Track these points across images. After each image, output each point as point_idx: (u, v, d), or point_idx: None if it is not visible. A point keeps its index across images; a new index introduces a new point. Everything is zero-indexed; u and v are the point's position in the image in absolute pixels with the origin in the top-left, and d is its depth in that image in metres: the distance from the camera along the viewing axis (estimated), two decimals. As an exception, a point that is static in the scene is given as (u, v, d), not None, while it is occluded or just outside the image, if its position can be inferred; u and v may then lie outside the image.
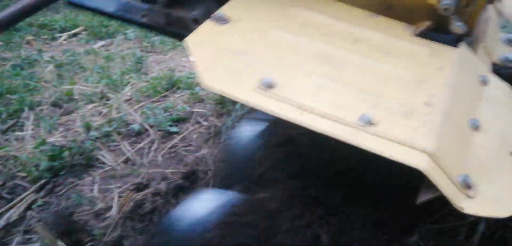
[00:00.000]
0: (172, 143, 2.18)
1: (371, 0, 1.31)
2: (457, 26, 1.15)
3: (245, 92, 0.90)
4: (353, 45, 1.13)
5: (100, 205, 1.80)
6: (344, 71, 1.04)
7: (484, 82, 1.15)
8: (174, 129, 2.28)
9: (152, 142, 2.19)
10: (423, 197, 0.91)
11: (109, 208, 1.78)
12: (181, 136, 2.23)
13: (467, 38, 1.33)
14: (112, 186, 1.89)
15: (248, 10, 1.20)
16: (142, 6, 1.42)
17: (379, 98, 0.99)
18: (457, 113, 1.03)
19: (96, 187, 1.89)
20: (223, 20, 1.10)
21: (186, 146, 2.16)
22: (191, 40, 0.99)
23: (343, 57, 1.08)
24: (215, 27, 1.07)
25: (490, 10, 1.53)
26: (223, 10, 1.13)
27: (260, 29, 1.13)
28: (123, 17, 1.42)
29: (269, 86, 0.92)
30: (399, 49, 1.15)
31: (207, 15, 1.14)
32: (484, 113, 1.08)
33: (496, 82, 1.18)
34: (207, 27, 1.06)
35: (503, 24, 1.67)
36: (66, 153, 2.03)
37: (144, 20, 1.42)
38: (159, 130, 2.27)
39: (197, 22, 1.32)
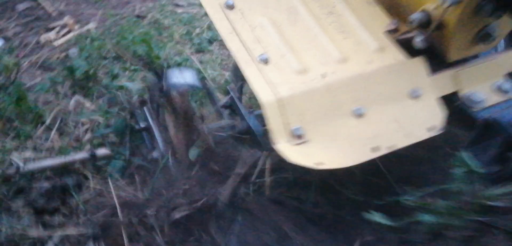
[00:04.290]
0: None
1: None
2: (417, 41, 1.32)
3: None
4: (323, 14, 1.34)
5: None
6: (295, 26, 1.28)
7: (414, 96, 1.25)
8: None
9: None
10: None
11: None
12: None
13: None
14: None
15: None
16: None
17: (292, 52, 1.19)
18: (344, 95, 1.16)
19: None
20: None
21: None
22: None
23: (305, 17, 1.32)
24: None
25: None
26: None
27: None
28: None
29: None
30: (355, 33, 1.31)
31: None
32: (378, 113, 1.18)
33: (430, 103, 1.25)
34: None
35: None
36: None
37: None
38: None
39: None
